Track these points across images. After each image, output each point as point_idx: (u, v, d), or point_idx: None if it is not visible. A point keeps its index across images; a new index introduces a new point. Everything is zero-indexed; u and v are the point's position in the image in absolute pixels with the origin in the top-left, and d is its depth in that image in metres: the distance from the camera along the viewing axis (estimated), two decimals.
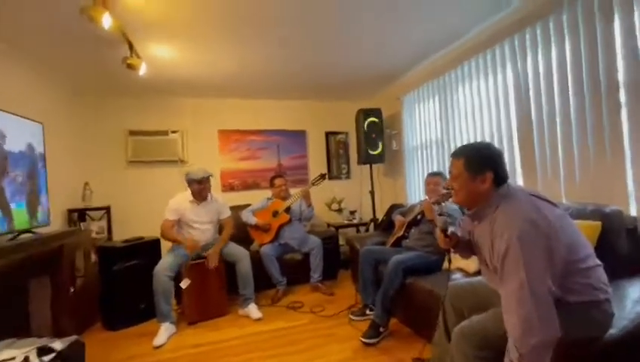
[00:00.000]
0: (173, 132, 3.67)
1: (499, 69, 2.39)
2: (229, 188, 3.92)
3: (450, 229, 1.38)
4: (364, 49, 2.80)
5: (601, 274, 1.15)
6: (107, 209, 3.37)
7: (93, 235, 3.16)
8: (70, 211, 3.17)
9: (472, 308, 1.47)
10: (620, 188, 1.69)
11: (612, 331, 1.10)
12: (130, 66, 2.40)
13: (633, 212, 1.64)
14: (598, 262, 1.15)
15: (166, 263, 2.41)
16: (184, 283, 2.47)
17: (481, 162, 1.20)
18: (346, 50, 2.80)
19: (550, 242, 1.05)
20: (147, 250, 2.69)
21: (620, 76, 1.67)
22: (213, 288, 2.59)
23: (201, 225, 2.66)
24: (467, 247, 1.43)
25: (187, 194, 2.63)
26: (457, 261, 2.14)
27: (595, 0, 1.75)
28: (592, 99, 1.79)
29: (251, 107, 4.06)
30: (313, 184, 3.05)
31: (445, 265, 2.22)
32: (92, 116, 3.50)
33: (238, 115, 4.00)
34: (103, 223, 3.33)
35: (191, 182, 2.58)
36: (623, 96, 1.67)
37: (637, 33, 1.58)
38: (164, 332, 2.27)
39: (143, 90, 3.45)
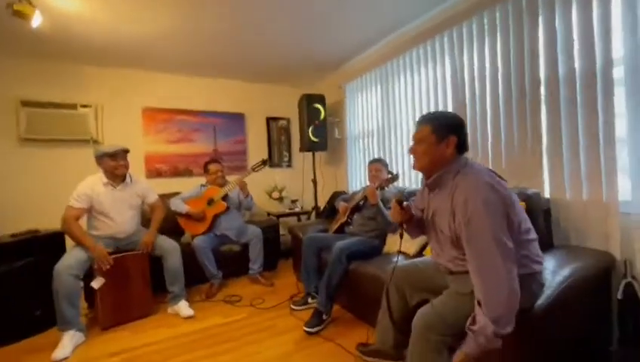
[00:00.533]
0: (85, 106, 3.09)
1: (438, 60, 2.49)
2: (155, 173, 3.47)
3: (405, 203, 1.38)
4: (309, 34, 2.68)
5: (537, 247, 1.23)
6: None
7: None
8: None
9: (413, 288, 1.50)
10: (538, 173, 1.87)
11: (539, 301, 1.18)
12: (18, 14, 1.90)
13: (547, 195, 1.84)
14: (535, 235, 1.23)
15: (70, 260, 2.00)
16: (96, 283, 2.09)
17: (447, 127, 1.23)
18: (291, 33, 2.64)
19: (508, 209, 1.10)
20: (45, 245, 2.23)
21: (542, 72, 1.84)
22: (135, 285, 2.25)
23: (120, 214, 2.27)
24: (417, 226, 1.43)
25: (101, 175, 2.22)
26: (397, 244, 2.19)
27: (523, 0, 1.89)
28: (518, 92, 1.95)
29: (184, 84, 3.64)
30: (254, 170, 2.85)
31: (389, 247, 2.25)
32: None
33: (167, 92, 3.55)
34: None
35: (102, 157, 2.18)
36: (543, 91, 1.84)
37: (557, 34, 1.75)
38: (68, 342, 1.89)
39: (41, 51, 2.81)
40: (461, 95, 2.30)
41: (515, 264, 1.07)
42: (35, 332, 2.11)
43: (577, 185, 1.70)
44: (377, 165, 2.40)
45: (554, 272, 1.36)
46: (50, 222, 2.64)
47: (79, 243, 2.08)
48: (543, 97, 1.84)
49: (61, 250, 2.28)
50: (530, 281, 1.18)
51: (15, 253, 2.08)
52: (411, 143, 1.31)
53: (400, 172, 2.93)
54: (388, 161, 2.96)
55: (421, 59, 2.65)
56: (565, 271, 1.36)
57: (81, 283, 2.03)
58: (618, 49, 1.55)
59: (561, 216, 1.75)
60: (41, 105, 2.92)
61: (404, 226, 1.43)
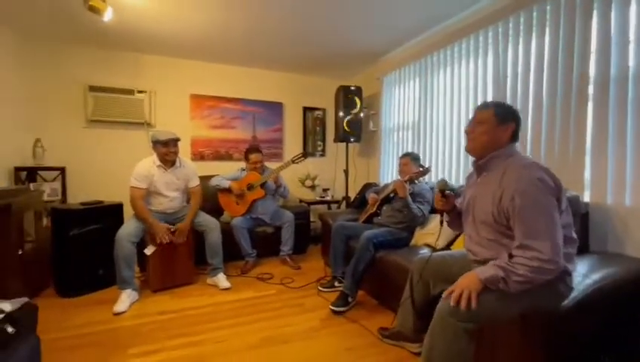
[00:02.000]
0: (140, 92, 3.40)
1: (480, 54, 2.44)
2: (199, 156, 3.74)
3: (448, 191, 1.45)
4: (350, 25, 2.72)
5: (575, 248, 1.25)
6: (62, 170, 3.10)
7: (45, 197, 2.91)
8: (18, 169, 2.87)
9: (437, 279, 1.55)
10: (578, 176, 1.82)
11: (565, 302, 1.20)
12: (93, 9, 2.15)
13: (587, 199, 1.79)
14: (575, 235, 1.25)
15: (129, 228, 2.28)
16: (149, 250, 2.36)
17: (508, 113, 1.30)
18: (332, 25, 2.71)
19: (559, 194, 1.16)
20: (108, 215, 2.53)
21: (591, 71, 1.76)
22: (180, 256, 2.51)
23: (170, 193, 2.52)
24: (459, 219, 1.49)
25: (154, 158, 2.47)
26: (425, 237, 2.24)
27: None
28: (563, 91, 1.88)
29: (227, 73, 3.84)
30: (293, 162, 2.98)
31: (417, 240, 2.30)
32: (46, 66, 3.13)
33: (212, 80, 3.78)
34: (57, 185, 3.07)
35: (156, 143, 2.41)
36: (591, 91, 1.77)
37: (611, 32, 1.66)
38: (126, 298, 2.18)
39: (107, 41, 3.12)
40: (502, 91, 2.25)
41: (561, 239, 1.12)
42: (99, 288, 2.44)
43: (620, 190, 1.64)
44: (406, 159, 2.45)
45: (585, 276, 1.35)
46: (110, 194, 2.98)
47: (143, 220, 2.35)
48: (590, 96, 1.77)
49: (120, 219, 2.58)
50: (559, 280, 1.20)
51: (84, 220, 2.40)
52: (468, 127, 1.36)
53: (432, 167, 2.92)
54: (422, 155, 2.97)
55: (463, 53, 2.61)
56: (596, 276, 1.35)
57: (135, 250, 2.30)
58: None
59: (600, 221, 1.70)
60: (105, 90, 3.26)
61: (446, 216, 1.49)
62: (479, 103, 2.42)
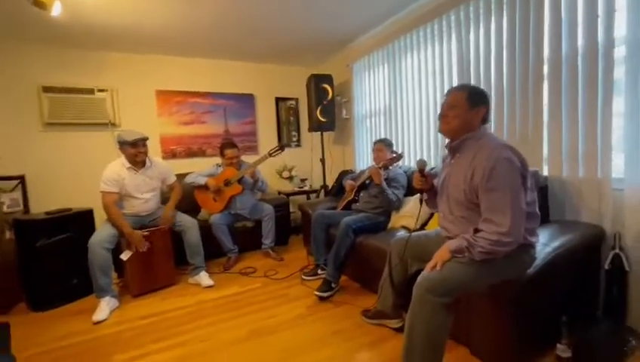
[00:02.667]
0: (101, 90, 3.22)
1: (444, 39, 2.50)
2: (170, 155, 3.63)
3: (426, 170, 1.51)
4: (317, 12, 2.69)
5: (537, 223, 1.35)
6: (21, 178, 2.92)
7: (5, 209, 2.73)
8: None
9: (414, 258, 1.63)
10: (538, 152, 1.94)
11: (528, 271, 1.31)
12: (38, 4, 1.99)
13: (545, 172, 1.92)
14: (537, 211, 1.35)
15: (103, 235, 2.20)
16: (125, 255, 2.30)
17: (479, 96, 1.36)
18: (298, 12, 2.66)
19: (525, 173, 1.24)
20: (78, 222, 2.43)
21: (545, 51, 1.86)
22: (159, 258, 2.46)
23: (144, 194, 2.45)
24: (435, 196, 1.57)
25: (123, 160, 2.38)
26: (401, 220, 2.32)
27: None
28: (521, 71, 1.98)
29: (194, 66, 3.71)
30: (270, 155, 2.96)
31: (393, 223, 2.38)
32: None
33: (178, 75, 3.64)
34: (17, 195, 2.89)
35: (123, 145, 2.33)
36: (546, 70, 1.87)
37: (562, 13, 1.76)
38: (105, 306, 2.13)
39: (60, 38, 2.91)
40: (466, 74, 2.33)
41: (524, 216, 1.21)
42: (76, 298, 2.36)
43: (574, 163, 1.77)
44: (379, 145, 2.50)
45: (545, 244, 1.46)
46: (78, 201, 2.84)
47: (119, 227, 2.27)
48: (545, 75, 1.87)
49: (91, 226, 2.49)
50: (524, 252, 1.30)
51: (50, 230, 2.29)
52: (441, 110, 1.42)
53: (405, 152, 3.01)
54: (394, 140, 3.03)
55: (428, 38, 2.66)
56: (555, 243, 1.47)
57: (110, 256, 2.23)
58: (620, 28, 1.57)
59: (558, 193, 1.84)
60: (61, 90, 3.06)
61: (425, 195, 1.55)
62: (447, 87, 2.51)
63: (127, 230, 2.27)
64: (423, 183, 1.51)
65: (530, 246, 1.33)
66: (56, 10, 2.09)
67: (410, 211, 2.28)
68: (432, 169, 2.37)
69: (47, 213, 2.38)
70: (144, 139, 2.37)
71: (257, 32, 3.06)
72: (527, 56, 1.95)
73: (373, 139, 3.39)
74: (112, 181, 2.30)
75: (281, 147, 2.99)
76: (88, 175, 3.12)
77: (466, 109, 1.34)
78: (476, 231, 1.27)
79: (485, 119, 1.37)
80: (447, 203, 1.44)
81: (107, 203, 2.27)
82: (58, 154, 3.14)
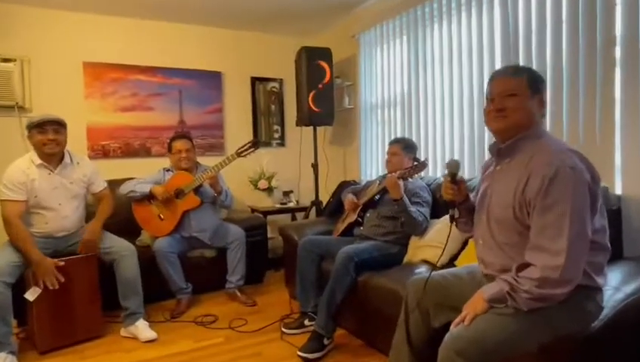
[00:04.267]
0: (7, 60, 3.24)
1: (485, 5, 2.59)
2: (100, 153, 3.64)
3: (460, 176, 1.54)
4: None
5: (606, 258, 1.39)
6: None
7: None
8: None
9: (440, 307, 1.65)
10: (608, 161, 2.00)
11: (594, 324, 1.33)
12: None
13: (618, 190, 1.98)
14: (608, 243, 1.38)
15: (1, 264, 2.18)
16: (31, 294, 2.28)
17: (540, 80, 1.42)
18: None
19: (596, 189, 1.29)
20: None
21: (618, 27, 1.95)
22: (80, 298, 2.44)
23: (60, 206, 2.45)
24: (470, 214, 1.60)
25: (32, 155, 2.39)
26: (423, 251, 2.35)
27: None
28: (585, 53, 2.06)
29: (139, 31, 3.76)
30: (239, 154, 2.98)
31: (412, 256, 2.41)
32: None
33: (116, 41, 3.69)
34: None
35: (30, 130, 2.33)
36: (617, 53, 1.95)
37: None
38: None
39: None
40: (513, 54, 2.41)
41: (586, 248, 1.25)
42: None
43: None
44: (392, 147, 2.56)
45: (615, 288, 1.50)
46: None
47: (24, 252, 2.25)
48: (617, 61, 1.95)
49: None
50: (586, 298, 1.33)
51: None
52: (487, 102, 1.48)
53: (429, 157, 3.06)
54: (415, 140, 3.09)
55: (462, 3, 2.75)
56: (630, 287, 1.51)
57: (10, 294, 2.20)
58: None
59: (635, 219, 1.89)
60: None
61: (457, 211, 1.58)
62: (487, 69, 2.58)
63: (36, 256, 2.25)
64: (454, 193, 1.54)
65: (596, 289, 1.36)
66: None
67: (435, 240, 2.32)
68: (468, 181, 2.42)
69: None
70: (57, 122, 2.38)
71: None
72: (593, 34, 2.02)
73: (388, 138, 3.47)
74: (18, 184, 2.29)
75: (254, 144, 3.02)
76: None
77: (527, 98, 1.39)
78: (521, 268, 1.30)
79: (545, 111, 1.45)
80: (488, 225, 1.48)
81: (8, 215, 2.25)
82: None
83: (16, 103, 3.27)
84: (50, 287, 2.30)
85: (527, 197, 1.31)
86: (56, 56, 3.47)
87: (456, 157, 2.87)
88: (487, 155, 2.54)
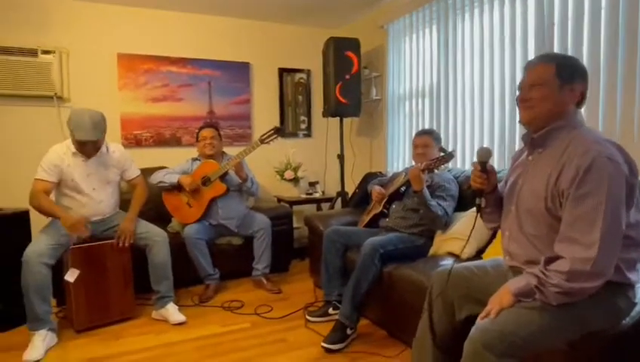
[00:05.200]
0: (46, 52, 3.36)
1: None
2: (133, 142, 3.75)
3: (490, 165, 1.52)
4: None
5: None
6: None
7: None
8: None
9: (464, 299, 1.64)
10: None
11: (625, 321, 1.31)
12: None
13: None
14: None
15: (42, 245, 2.29)
16: (70, 275, 2.39)
17: (574, 69, 1.38)
18: None
19: (633, 181, 1.25)
20: (9, 227, 2.54)
21: None
22: (114, 281, 2.54)
23: (94, 191, 2.55)
24: (499, 206, 1.59)
25: (69, 143, 2.49)
26: (448, 243, 2.33)
27: None
28: (625, 43, 1.98)
29: (170, 23, 3.83)
30: (262, 141, 3.02)
31: (437, 248, 2.39)
32: None
33: (149, 33, 3.77)
34: None
35: (69, 125, 2.40)
36: None
37: None
38: (40, 343, 2.21)
39: None
40: (548, 42, 2.34)
41: (619, 242, 1.22)
42: (0, 330, 2.46)
43: None
44: (425, 138, 2.52)
45: None
46: (10, 198, 2.97)
47: (50, 215, 2.37)
48: None
49: (26, 233, 2.61)
50: (618, 294, 1.31)
51: None
52: (520, 92, 1.45)
53: (458, 149, 3.02)
54: (443, 133, 3.05)
55: None
56: None
57: (50, 274, 2.32)
58: None
59: None
60: None
61: (483, 200, 1.56)
62: (520, 60, 2.52)
63: (61, 212, 2.35)
64: (483, 181, 1.52)
65: (629, 286, 1.33)
66: None
67: (462, 232, 2.29)
68: (498, 172, 2.38)
69: None
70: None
71: None
72: (634, 23, 1.94)
73: (415, 130, 3.43)
74: (52, 166, 2.40)
75: (277, 130, 3.04)
76: (24, 164, 3.24)
77: (555, 88, 1.36)
78: (549, 261, 1.28)
79: (582, 101, 1.39)
80: (517, 216, 1.46)
81: (34, 190, 2.36)
82: None
83: (55, 93, 3.39)
84: (83, 236, 2.39)
85: (561, 188, 1.28)
86: (92, 47, 3.58)
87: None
88: (517, 147, 2.50)
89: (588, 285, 1.20)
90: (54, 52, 3.39)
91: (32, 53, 3.32)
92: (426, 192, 2.31)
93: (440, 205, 2.35)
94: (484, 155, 1.51)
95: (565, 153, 1.30)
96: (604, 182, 1.20)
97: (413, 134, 2.68)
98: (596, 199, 1.20)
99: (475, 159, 1.57)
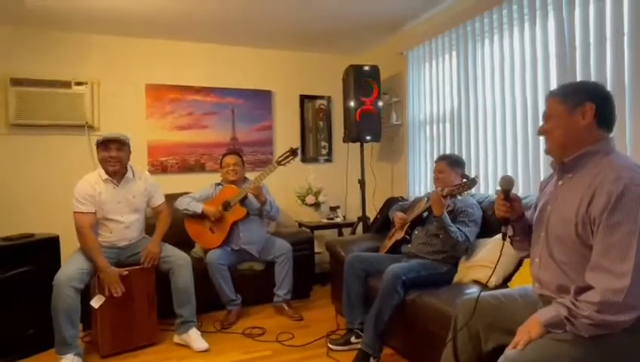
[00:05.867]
0: (79, 83, 3.54)
1: (538, 19, 2.52)
2: (160, 168, 3.85)
3: (513, 193, 1.51)
4: None
5: None
6: None
7: None
8: None
9: (491, 329, 1.59)
10: None
11: None
12: None
13: None
14: None
15: (71, 271, 2.36)
16: (96, 301, 2.44)
17: (578, 93, 1.37)
18: None
19: None
20: (40, 252, 2.62)
21: None
22: (139, 307, 2.58)
23: (125, 216, 2.62)
24: (527, 233, 1.56)
25: (99, 171, 2.58)
26: (474, 271, 2.28)
27: None
28: None
29: (195, 53, 3.99)
30: (279, 163, 3.07)
31: (462, 276, 2.35)
32: None
33: (175, 64, 3.92)
34: None
35: (98, 146, 2.53)
36: None
37: None
38: None
39: (32, 19, 3.27)
40: (570, 67, 2.32)
41: None
42: (30, 354, 2.51)
43: None
44: (439, 164, 2.54)
45: None
46: (39, 225, 3.06)
47: (93, 258, 2.43)
48: None
49: (55, 258, 2.68)
50: None
51: (6, 261, 2.49)
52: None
53: (481, 174, 2.98)
54: (465, 156, 3.03)
55: (514, 18, 2.69)
56: None
57: (79, 299, 2.36)
58: None
59: None
60: (33, 83, 3.39)
61: (510, 229, 1.55)
62: (542, 85, 2.51)
63: (102, 263, 2.42)
64: (507, 210, 1.51)
65: None
66: None
67: (487, 259, 2.24)
68: (523, 199, 2.34)
69: (5, 239, 2.59)
70: (120, 141, 2.54)
71: (280, 7, 3.24)
72: None
73: (436, 154, 3.42)
74: (87, 197, 2.48)
75: (293, 152, 3.10)
76: (56, 191, 3.36)
77: (564, 115, 1.37)
78: (579, 291, 1.24)
79: (603, 121, 1.35)
80: (546, 242, 1.42)
81: (82, 226, 2.44)
82: (22, 164, 3.44)
83: (86, 123, 3.55)
84: (115, 295, 2.44)
85: (592, 215, 1.25)
86: (122, 79, 3.75)
87: (509, 174, 2.78)
88: (543, 173, 2.46)
89: (621, 318, 1.16)
90: (87, 83, 3.56)
91: (67, 85, 3.49)
92: (446, 217, 2.29)
93: (461, 230, 2.32)
94: (507, 184, 1.51)
95: (597, 179, 1.28)
96: (636, 210, 1.17)
97: (434, 159, 2.69)
98: (628, 228, 1.17)
99: (498, 185, 1.56)
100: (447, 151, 3.29)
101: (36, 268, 2.54)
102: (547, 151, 1.46)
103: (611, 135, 1.39)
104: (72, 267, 2.38)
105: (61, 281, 2.30)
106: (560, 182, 1.45)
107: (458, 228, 2.32)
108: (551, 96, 1.44)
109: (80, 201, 2.47)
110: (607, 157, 1.33)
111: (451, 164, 2.53)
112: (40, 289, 2.40)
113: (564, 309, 1.23)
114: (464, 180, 2.33)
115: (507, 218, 1.53)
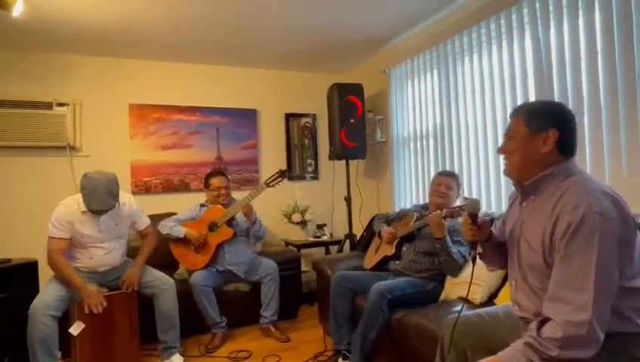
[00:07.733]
0: (61, 105, 3.50)
1: (515, 38, 2.58)
2: (143, 189, 3.81)
3: (481, 218, 1.49)
4: (341, 5, 2.90)
5: None
6: None
7: None
8: None
9: (477, 348, 1.58)
10: None
11: None
12: (1, 4, 2.27)
13: None
14: None
15: (48, 298, 2.29)
16: (75, 329, 2.36)
17: (543, 116, 1.34)
18: (321, 3, 2.87)
19: (629, 236, 1.19)
20: (17, 278, 2.56)
21: None
22: (119, 333, 2.51)
23: (104, 243, 2.57)
24: (498, 252, 1.55)
25: (79, 198, 2.51)
26: (460, 288, 2.28)
27: None
28: (624, 83, 2.00)
29: (180, 73, 3.99)
30: (268, 185, 3.06)
31: (448, 293, 2.34)
32: None
33: (158, 84, 3.92)
34: None
35: (83, 192, 2.43)
36: None
37: None
38: None
39: (13, 40, 3.25)
40: (547, 85, 2.37)
41: (610, 304, 1.16)
42: None
43: None
44: (449, 181, 2.53)
45: None
46: (18, 249, 2.98)
47: (67, 282, 2.37)
48: None
49: (33, 284, 2.61)
50: (634, 344, 1.24)
51: None
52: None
53: (464, 187, 3.00)
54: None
55: (492, 36, 2.75)
56: None
57: (57, 327, 2.29)
58: None
59: None
60: (12, 104, 3.35)
61: (480, 248, 1.54)
62: (520, 100, 2.55)
63: (77, 281, 2.35)
64: (474, 233, 1.50)
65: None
66: (18, 9, 2.37)
67: (474, 276, 2.24)
68: (492, 219, 2.36)
69: None
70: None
71: (265, 28, 3.28)
72: (630, 62, 1.97)
73: (420, 170, 3.44)
74: (64, 223, 2.43)
75: (282, 173, 3.09)
76: (36, 214, 3.29)
77: (525, 138, 1.34)
78: (541, 325, 1.20)
79: (564, 147, 1.33)
80: (519, 266, 1.42)
81: (52, 251, 2.39)
82: (1, 187, 3.36)
83: (68, 144, 3.50)
84: (95, 311, 2.35)
85: (556, 242, 1.24)
86: (105, 99, 3.72)
87: (490, 190, 2.81)
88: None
89: (584, 355, 1.13)
90: (69, 104, 3.53)
91: (48, 106, 3.45)
92: (449, 240, 2.29)
93: (459, 252, 2.32)
94: (473, 208, 1.50)
95: (558, 205, 1.26)
96: (594, 239, 1.15)
97: (419, 173, 2.68)
98: (587, 258, 1.15)
99: (464, 210, 1.56)
100: (432, 167, 3.31)
101: (13, 295, 2.49)
102: (505, 173, 1.44)
103: (573, 157, 1.36)
104: (48, 294, 2.32)
105: (37, 309, 2.23)
106: (524, 204, 1.44)
107: (458, 250, 2.31)
108: (515, 115, 1.41)
109: (56, 226, 2.42)
110: (568, 179, 1.31)
111: (457, 182, 2.55)
112: (17, 316, 2.32)
113: (530, 351, 1.18)
114: (465, 200, 2.31)
115: (474, 240, 1.52)
